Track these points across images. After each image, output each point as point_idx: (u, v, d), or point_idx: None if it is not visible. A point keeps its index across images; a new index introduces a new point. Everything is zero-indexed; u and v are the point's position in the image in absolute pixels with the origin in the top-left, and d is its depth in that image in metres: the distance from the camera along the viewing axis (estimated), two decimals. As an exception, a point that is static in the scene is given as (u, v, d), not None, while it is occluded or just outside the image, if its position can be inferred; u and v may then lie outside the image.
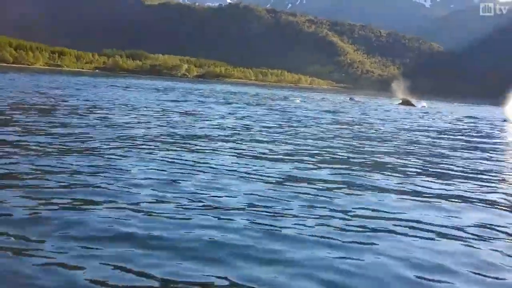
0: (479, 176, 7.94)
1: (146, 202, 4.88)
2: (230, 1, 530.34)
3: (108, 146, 8.04)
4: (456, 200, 5.92)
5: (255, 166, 7.25)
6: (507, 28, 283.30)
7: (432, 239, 4.36)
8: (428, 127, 18.76)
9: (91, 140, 8.59)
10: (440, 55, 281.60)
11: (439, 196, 6.07)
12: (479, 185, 7.11)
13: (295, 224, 4.45)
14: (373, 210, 5.14)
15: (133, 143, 8.64)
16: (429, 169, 8.23)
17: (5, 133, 8.73)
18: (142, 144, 8.57)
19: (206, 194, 5.38)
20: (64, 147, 7.72)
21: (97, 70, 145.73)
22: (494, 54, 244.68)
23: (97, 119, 12.31)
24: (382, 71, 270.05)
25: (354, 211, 5.06)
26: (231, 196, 5.36)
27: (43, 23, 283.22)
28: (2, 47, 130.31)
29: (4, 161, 6.23)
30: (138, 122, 12.41)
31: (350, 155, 9.26)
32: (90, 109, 15.15)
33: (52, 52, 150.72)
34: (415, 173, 7.69)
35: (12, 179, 5.44)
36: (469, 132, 18.33)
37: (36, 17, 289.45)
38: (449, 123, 22.91)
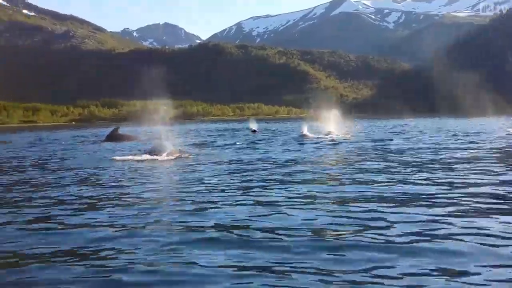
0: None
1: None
2: (199, 41, 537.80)
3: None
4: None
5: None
6: (467, 40, 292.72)
7: None
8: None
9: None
10: (409, 73, 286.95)
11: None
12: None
13: None
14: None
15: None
16: None
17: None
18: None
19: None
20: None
21: (73, 122, 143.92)
22: (456, 67, 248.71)
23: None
24: (356, 94, 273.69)
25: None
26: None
27: (9, 80, 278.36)
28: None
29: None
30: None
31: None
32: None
33: (25, 108, 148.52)
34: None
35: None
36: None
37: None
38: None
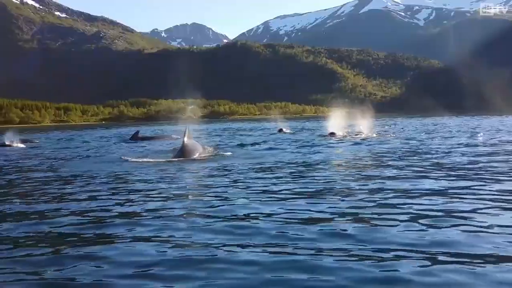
0: None
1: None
2: (226, 41, 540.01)
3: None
4: None
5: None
6: (499, 37, 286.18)
7: None
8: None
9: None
10: (440, 70, 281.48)
11: None
12: None
13: None
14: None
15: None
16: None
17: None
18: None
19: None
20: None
21: (103, 122, 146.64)
22: (488, 64, 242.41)
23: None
24: (384, 92, 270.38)
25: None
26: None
27: (41, 80, 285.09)
28: (9, 109, 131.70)
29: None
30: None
31: None
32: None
33: (57, 108, 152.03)
34: None
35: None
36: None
37: (31, 75, 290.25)
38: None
